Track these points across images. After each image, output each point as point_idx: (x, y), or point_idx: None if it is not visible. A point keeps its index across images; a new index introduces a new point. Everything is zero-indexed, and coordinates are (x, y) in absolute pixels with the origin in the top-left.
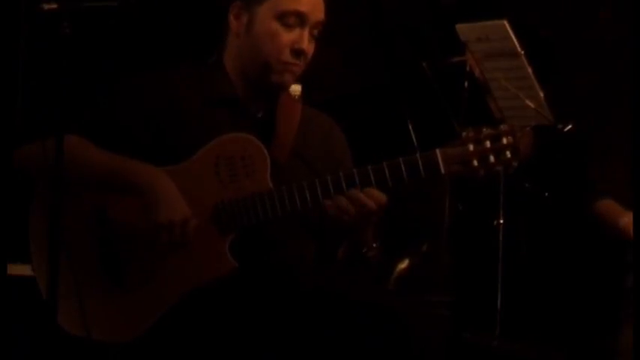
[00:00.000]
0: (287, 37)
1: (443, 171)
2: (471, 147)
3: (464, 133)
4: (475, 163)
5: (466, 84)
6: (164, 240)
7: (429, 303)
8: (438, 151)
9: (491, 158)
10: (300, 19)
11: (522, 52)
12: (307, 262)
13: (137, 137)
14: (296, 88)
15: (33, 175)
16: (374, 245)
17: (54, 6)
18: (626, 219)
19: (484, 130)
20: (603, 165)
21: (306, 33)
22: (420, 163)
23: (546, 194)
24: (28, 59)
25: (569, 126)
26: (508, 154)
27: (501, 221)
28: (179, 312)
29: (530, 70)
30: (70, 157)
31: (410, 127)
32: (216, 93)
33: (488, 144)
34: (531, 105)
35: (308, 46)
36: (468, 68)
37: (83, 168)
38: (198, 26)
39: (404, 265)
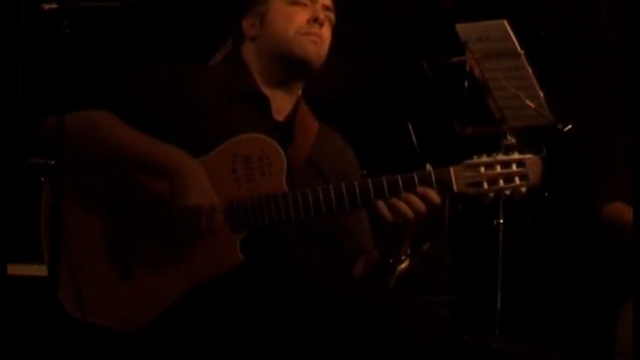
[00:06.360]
0: (302, 13)
1: (455, 189)
2: (483, 170)
3: (476, 157)
4: (485, 185)
5: (466, 84)
6: (189, 225)
7: (429, 303)
8: (452, 169)
9: (501, 183)
10: None
11: (522, 52)
12: (311, 264)
13: (159, 123)
14: None
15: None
16: (403, 258)
17: (54, 6)
18: None
19: (496, 155)
20: (603, 165)
21: (318, 5)
22: (433, 179)
23: (546, 194)
24: (28, 59)
25: (569, 126)
26: (517, 180)
27: (501, 221)
28: (182, 307)
29: (530, 70)
30: (98, 132)
31: (410, 127)
32: (238, 87)
33: (499, 169)
34: (531, 105)
35: (322, 15)
36: (468, 68)
37: (110, 144)
38: (198, 26)
39: (404, 265)
